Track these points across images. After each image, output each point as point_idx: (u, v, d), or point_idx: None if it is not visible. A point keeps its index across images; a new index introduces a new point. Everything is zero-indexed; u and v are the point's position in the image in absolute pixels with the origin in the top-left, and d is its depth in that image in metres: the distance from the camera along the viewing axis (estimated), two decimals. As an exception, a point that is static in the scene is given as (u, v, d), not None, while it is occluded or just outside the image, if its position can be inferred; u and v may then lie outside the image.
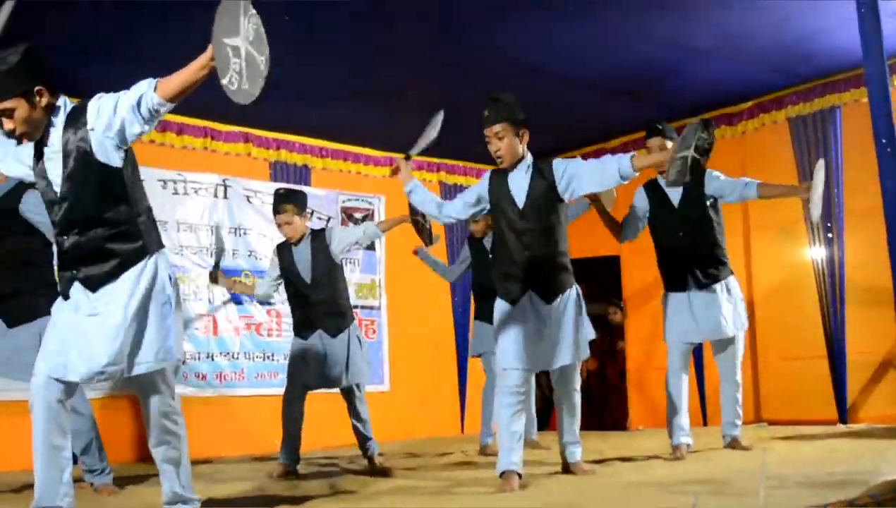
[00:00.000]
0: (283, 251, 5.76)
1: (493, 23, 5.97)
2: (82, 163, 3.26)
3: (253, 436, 7.38)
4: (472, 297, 7.11)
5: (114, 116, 3.23)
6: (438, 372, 9.07)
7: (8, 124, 3.27)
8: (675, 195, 5.31)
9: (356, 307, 7.99)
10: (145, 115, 3.21)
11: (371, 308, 8.71)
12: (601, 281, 8.97)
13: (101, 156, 3.27)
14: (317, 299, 5.65)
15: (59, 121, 3.31)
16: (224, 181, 7.77)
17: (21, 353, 4.39)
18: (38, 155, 3.36)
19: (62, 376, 3.27)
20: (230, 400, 7.60)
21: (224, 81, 3.00)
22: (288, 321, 7.71)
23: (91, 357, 3.25)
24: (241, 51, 2.99)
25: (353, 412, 5.76)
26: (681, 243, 5.30)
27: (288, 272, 5.73)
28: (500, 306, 4.46)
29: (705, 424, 7.83)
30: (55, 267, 3.47)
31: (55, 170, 3.31)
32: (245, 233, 7.92)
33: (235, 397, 7.61)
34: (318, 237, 5.73)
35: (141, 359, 3.31)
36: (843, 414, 6.97)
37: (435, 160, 9.29)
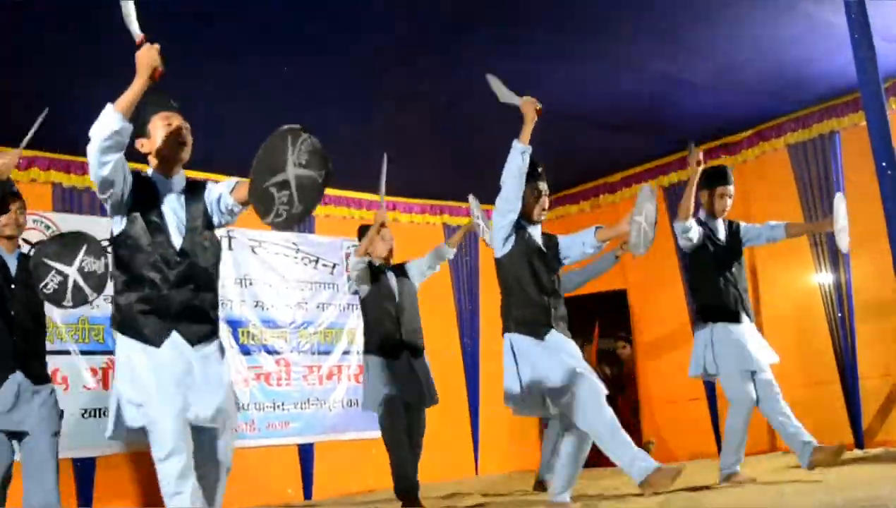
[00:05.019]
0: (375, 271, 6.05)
1: (492, 63, 6.01)
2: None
3: (266, 487, 7.32)
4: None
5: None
6: (447, 412, 8.93)
7: None
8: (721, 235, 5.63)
9: (359, 352, 7.94)
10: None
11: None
12: (608, 316, 8.95)
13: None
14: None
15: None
16: (228, 232, 7.74)
17: None
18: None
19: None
20: (241, 451, 7.51)
21: (267, 220, 3.08)
22: (296, 370, 7.71)
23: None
24: (289, 182, 3.03)
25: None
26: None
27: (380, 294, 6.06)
28: None
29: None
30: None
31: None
32: (251, 284, 7.93)
33: (246, 448, 7.45)
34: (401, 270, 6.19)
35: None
36: (860, 439, 6.91)
37: (438, 202, 9.29)
